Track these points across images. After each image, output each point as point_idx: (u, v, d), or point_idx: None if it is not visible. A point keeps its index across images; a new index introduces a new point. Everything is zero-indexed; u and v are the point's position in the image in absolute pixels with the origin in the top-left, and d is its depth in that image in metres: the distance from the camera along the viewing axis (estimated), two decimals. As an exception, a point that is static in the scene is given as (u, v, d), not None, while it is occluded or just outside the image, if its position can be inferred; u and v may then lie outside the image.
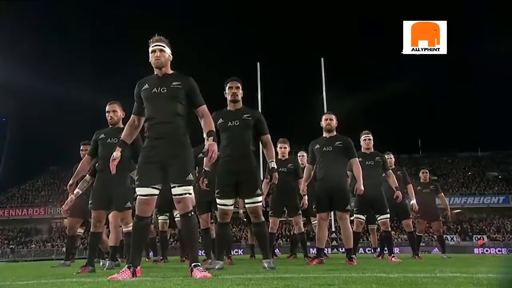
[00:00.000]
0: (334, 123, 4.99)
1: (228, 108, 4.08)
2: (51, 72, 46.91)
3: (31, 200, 38.64)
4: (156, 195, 2.99)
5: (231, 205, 3.92)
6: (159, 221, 6.55)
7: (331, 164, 4.83)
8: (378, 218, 5.80)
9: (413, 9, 44.06)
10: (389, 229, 5.88)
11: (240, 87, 4.05)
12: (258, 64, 27.38)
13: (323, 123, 5.01)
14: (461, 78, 50.99)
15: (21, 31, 44.34)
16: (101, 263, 5.49)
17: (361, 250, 23.26)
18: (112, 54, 56.04)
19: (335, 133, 5.00)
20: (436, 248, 22.69)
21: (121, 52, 54.67)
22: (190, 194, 2.97)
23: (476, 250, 24.52)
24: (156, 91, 3.06)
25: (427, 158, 43.30)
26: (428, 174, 8.10)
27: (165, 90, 3.06)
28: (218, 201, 3.91)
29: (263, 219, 3.96)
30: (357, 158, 4.95)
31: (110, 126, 4.41)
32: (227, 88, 4.05)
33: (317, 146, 4.96)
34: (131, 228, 4.17)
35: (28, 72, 37.30)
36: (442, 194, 8.03)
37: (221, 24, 57.90)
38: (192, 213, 2.96)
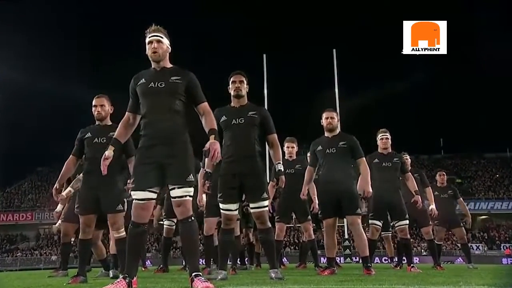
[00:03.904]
0: (336, 121, 4.92)
1: (232, 104, 4.09)
2: (39, 68, 47.18)
3: (17, 204, 38.90)
4: (153, 199, 2.99)
5: (235, 210, 3.94)
6: (165, 226, 6.54)
7: (335, 166, 4.77)
8: (396, 225, 5.77)
9: (413, 9, 44.96)
10: (408, 236, 5.86)
11: (245, 81, 4.05)
12: (264, 56, 27.34)
13: (323, 122, 4.95)
14: (488, 74, 50.77)
15: (7, 26, 44.59)
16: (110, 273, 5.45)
17: (376, 259, 23.22)
18: (103, 50, 56.33)
19: (338, 131, 4.94)
20: (460, 258, 22.58)
21: (113, 49, 55.06)
22: (191, 196, 2.96)
23: (504, 260, 24.38)
24: (154, 85, 3.05)
25: (449, 159, 43.07)
26: (445, 176, 8.07)
27: (163, 85, 3.05)
28: (221, 205, 3.93)
29: (270, 225, 3.97)
30: (364, 158, 4.89)
31: (97, 123, 4.41)
32: (230, 82, 4.05)
33: (319, 147, 4.89)
34: (122, 234, 4.22)
35: (14, 68, 37.47)
36: (461, 199, 8.04)
37: (225, 14, 57.88)
38: (193, 217, 2.97)
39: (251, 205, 3.90)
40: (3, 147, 39.55)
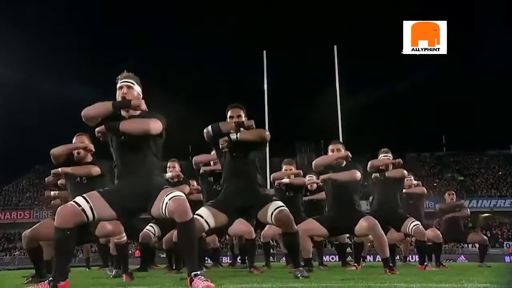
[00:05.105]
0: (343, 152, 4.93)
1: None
2: (37, 66, 47.14)
3: (14, 202, 38.91)
4: None
5: (208, 222, 3.70)
6: (144, 230, 6.26)
7: (342, 200, 4.83)
8: (411, 228, 5.54)
9: (413, 9, 45.20)
10: (425, 238, 5.77)
11: (243, 114, 3.98)
12: (264, 53, 27.29)
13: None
14: (489, 73, 50.80)
15: (6, 25, 44.58)
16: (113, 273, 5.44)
17: (378, 258, 23.23)
18: (103, 50, 56.23)
19: (344, 162, 4.91)
20: (462, 256, 22.73)
21: (113, 49, 55.00)
22: (183, 196, 2.92)
23: (507, 258, 24.40)
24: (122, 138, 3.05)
25: (452, 156, 43.01)
26: (454, 196, 8.26)
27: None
28: (203, 209, 3.82)
29: (296, 228, 3.86)
30: (357, 170, 4.82)
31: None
32: (228, 116, 4.00)
33: (331, 171, 4.87)
34: (123, 239, 4.35)
35: (12, 66, 37.42)
36: (468, 212, 8.21)
37: (224, 12, 57.76)
38: (192, 218, 2.95)
39: (269, 211, 3.73)
40: (1, 145, 39.67)
